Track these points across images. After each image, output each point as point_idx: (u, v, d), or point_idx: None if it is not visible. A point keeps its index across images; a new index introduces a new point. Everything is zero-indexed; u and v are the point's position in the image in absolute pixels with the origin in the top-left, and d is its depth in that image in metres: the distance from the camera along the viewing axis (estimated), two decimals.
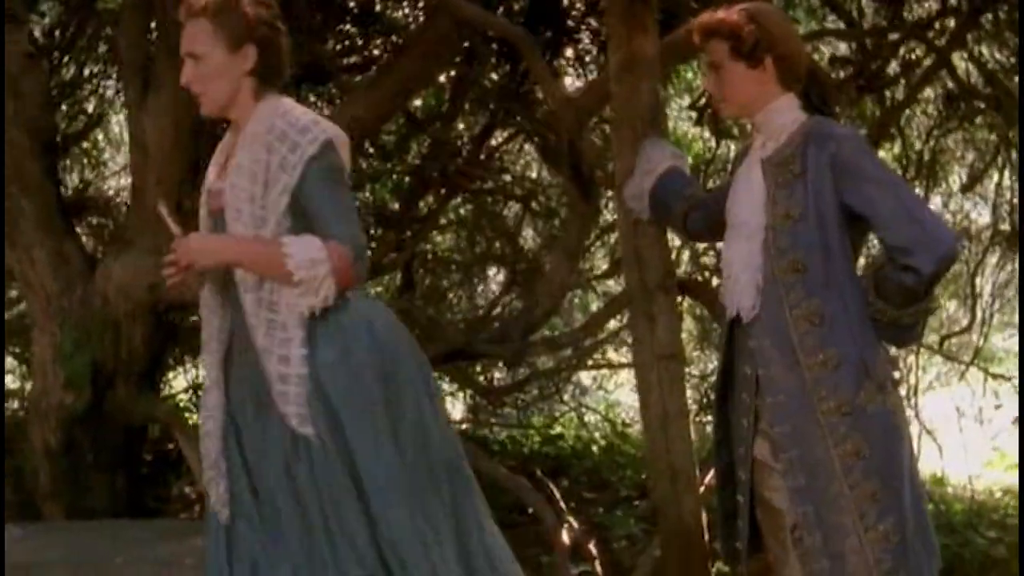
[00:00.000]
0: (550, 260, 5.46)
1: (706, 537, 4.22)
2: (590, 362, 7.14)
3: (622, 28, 4.15)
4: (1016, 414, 6.81)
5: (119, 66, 5.26)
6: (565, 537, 4.71)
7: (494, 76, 6.46)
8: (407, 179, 7.19)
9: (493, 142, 6.85)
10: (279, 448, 2.88)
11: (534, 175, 7.18)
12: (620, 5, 4.18)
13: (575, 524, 4.83)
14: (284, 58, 3.05)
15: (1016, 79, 5.87)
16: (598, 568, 4.76)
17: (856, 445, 2.99)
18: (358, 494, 2.84)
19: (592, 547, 4.78)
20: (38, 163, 5.13)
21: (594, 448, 7.22)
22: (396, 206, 7.08)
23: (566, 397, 7.73)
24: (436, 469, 2.93)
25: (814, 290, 3.01)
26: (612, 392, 7.92)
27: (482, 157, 6.60)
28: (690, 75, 6.82)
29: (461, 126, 6.95)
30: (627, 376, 8.03)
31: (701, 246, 6.64)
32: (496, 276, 7.72)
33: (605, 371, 7.49)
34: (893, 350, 3.21)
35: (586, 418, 7.74)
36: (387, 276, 6.90)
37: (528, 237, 7.26)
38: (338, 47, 6.84)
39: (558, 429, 7.64)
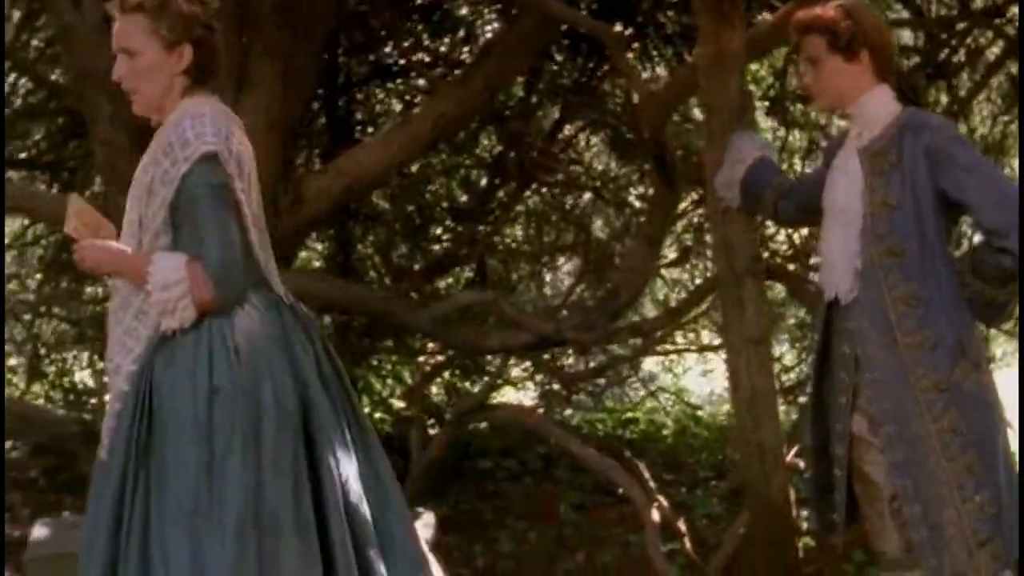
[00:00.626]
0: (632, 248, 5.61)
1: (793, 513, 4.41)
2: (670, 347, 7.31)
3: (711, 23, 4.31)
4: None
5: None
6: (655, 515, 4.88)
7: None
8: (475, 172, 7.38)
9: (563, 134, 7.00)
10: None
11: (601, 166, 7.33)
12: (709, 1, 4.35)
13: (664, 503, 4.98)
14: (217, 58, 3.07)
15: None
16: (687, 545, 4.91)
17: (952, 421, 3.13)
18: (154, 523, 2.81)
19: (681, 524, 4.94)
20: (134, 163, 5.30)
21: (664, 432, 7.41)
22: (464, 199, 7.26)
23: (639, 383, 7.91)
24: (241, 515, 2.77)
25: (911, 274, 3.16)
26: (681, 377, 8.08)
27: (554, 149, 6.76)
28: (754, 66, 6.90)
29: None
30: (694, 361, 8.24)
31: (780, 234, 6.75)
32: (563, 266, 7.89)
33: (673, 356, 7.64)
34: None
35: (656, 403, 7.89)
36: (460, 268, 7.06)
37: (597, 227, 7.40)
38: (405, 45, 7.04)
39: (630, 413, 7.81)
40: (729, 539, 5.04)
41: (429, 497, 5.47)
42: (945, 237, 3.22)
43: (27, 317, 7.72)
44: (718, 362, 8.32)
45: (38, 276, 8.00)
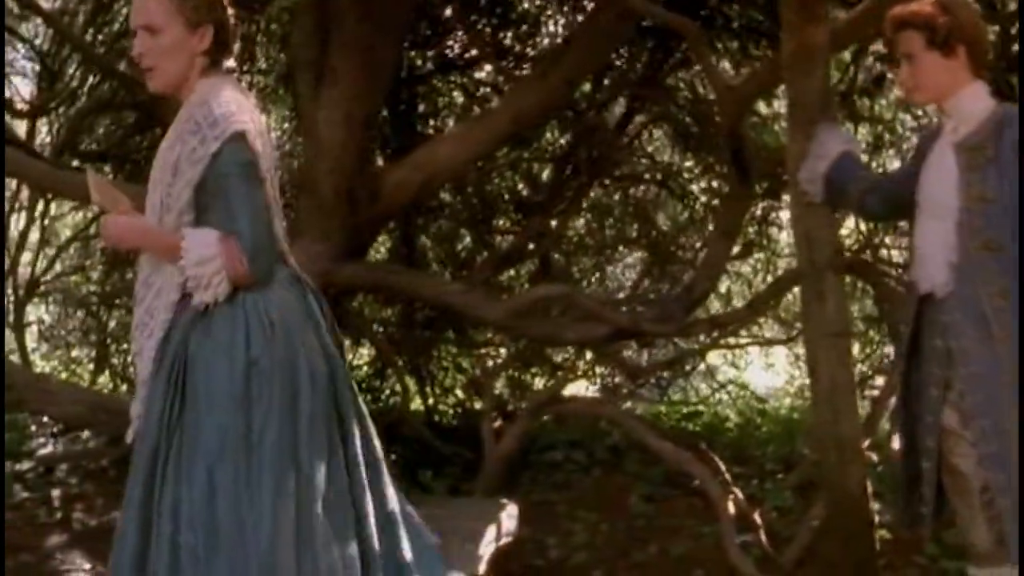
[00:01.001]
0: (707, 241, 5.62)
1: (870, 505, 4.42)
2: (734, 340, 7.31)
3: (796, 18, 4.31)
4: None
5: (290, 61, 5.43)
6: (731, 508, 4.90)
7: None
8: (537, 166, 7.42)
9: (630, 127, 7.02)
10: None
11: (667, 159, 7.36)
12: None
13: (740, 495, 4.99)
14: (233, 39, 3.09)
15: None
16: (763, 537, 4.93)
17: None
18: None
19: (757, 517, 4.95)
20: None
21: (727, 425, 7.42)
22: (525, 192, 7.30)
23: (699, 376, 7.94)
24: (278, 487, 2.86)
25: (1007, 268, 3.15)
26: (743, 370, 8.10)
27: (621, 143, 6.78)
28: None
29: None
30: (757, 354, 8.24)
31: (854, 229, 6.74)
32: (624, 260, 7.92)
33: (736, 351, 7.65)
34: None
35: (720, 395, 7.90)
36: (524, 262, 7.10)
37: (660, 220, 7.43)
38: (468, 38, 7.09)
39: (696, 407, 7.83)
40: (803, 532, 5.05)
41: (500, 489, 5.52)
42: None
43: (92, 308, 7.85)
44: (780, 356, 8.35)
45: (100, 268, 8.14)
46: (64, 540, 5.55)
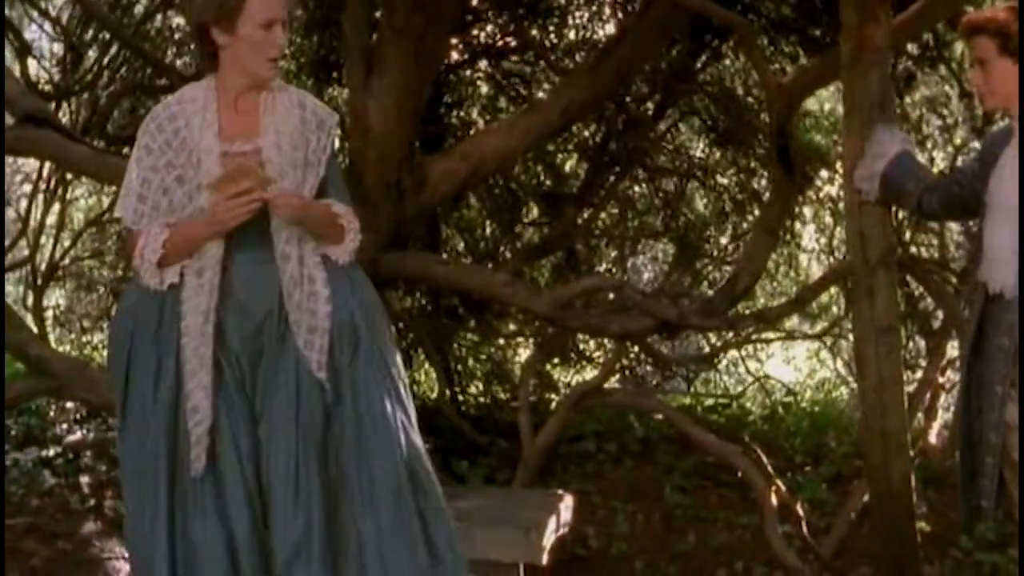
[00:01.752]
0: (751, 236, 5.67)
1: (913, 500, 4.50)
2: (771, 336, 7.40)
3: (855, 17, 4.37)
4: None
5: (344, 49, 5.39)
6: (773, 499, 4.96)
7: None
8: (560, 157, 7.44)
9: (663, 121, 7.07)
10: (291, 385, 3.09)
11: (699, 152, 7.41)
12: None
13: (782, 487, 5.06)
14: None
15: None
16: (804, 528, 5.00)
17: None
18: None
19: (799, 509, 5.03)
20: None
21: (750, 417, 7.50)
22: (549, 184, 7.33)
23: (722, 369, 8.02)
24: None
25: None
26: (765, 363, 8.17)
27: (652, 136, 6.83)
28: None
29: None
30: (778, 349, 8.33)
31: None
32: (647, 253, 7.98)
33: (758, 344, 7.72)
34: None
35: (747, 388, 7.98)
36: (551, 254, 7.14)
37: (687, 214, 7.49)
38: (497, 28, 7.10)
39: (722, 399, 7.91)
40: (840, 523, 5.15)
41: (537, 480, 5.57)
42: None
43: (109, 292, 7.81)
44: (800, 350, 8.44)
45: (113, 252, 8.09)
46: (99, 527, 5.56)
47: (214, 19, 3.00)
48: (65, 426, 7.09)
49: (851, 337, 6.75)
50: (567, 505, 4.64)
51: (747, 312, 5.73)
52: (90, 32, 6.95)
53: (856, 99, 4.33)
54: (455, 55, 7.09)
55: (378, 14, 5.33)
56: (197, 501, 3.06)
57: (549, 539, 4.30)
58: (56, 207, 7.79)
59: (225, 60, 3.05)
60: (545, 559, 4.25)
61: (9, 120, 5.27)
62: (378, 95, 5.20)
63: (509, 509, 4.53)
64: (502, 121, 6.26)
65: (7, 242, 7.29)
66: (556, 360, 7.26)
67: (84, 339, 8.55)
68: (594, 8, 7.10)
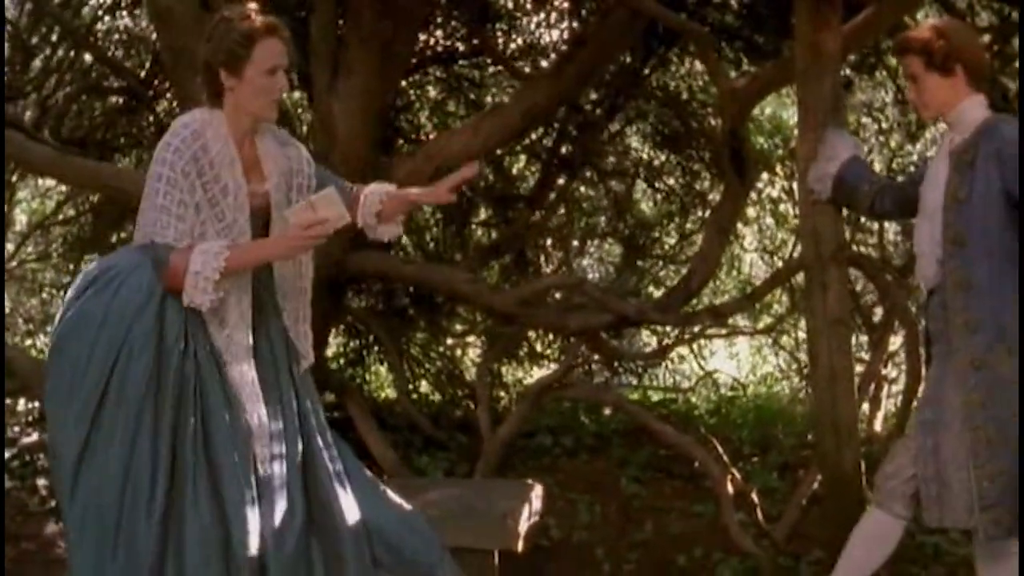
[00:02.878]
0: (704, 236, 5.86)
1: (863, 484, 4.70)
2: (723, 331, 7.59)
3: (808, 25, 4.58)
4: None
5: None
6: (730, 487, 5.14)
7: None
8: (507, 160, 7.57)
9: (611, 125, 7.23)
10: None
11: (644, 156, 7.59)
12: (807, 2, 4.62)
13: (738, 476, 5.24)
14: None
15: None
16: (759, 515, 5.19)
17: (981, 396, 3.49)
18: None
19: (754, 496, 5.22)
20: None
21: (698, 412, 7.69)
22: (500, 186, 7.46)
23: (667, 365, 8.22)
24: None
25: (968, 262, 3.50)
26: (708, 359, 8.38)
27: (602, 139, 7.00)
28: None
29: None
30: (721, 346, 8.54)
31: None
32: (595, 254, 8.16)
33: (701, 341, 7.92)
34: None
35: (691, 383, 8.17)
36: (500, 256, 7.27)
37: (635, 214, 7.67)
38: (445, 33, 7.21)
39: (667, 394, 8.10)
40: (792, 509, 5.34)
41: (496, 473, 5.68)
42: (1013, 231, 3.47)
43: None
44: (743, 346, 8.66)
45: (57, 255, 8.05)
46: (61, 529, 5.52)
47: (223, 63, 3.20)
48: (17, 429, 7.02)
49: (792, 333, 7.01)
50: (537, 494, 4.77)
51: (701, 308, 5.90)
52: (40, 33, 6.91)
53: (810, 104, 4.55)
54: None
55: (344, 20, 5.42)
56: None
57: (524, 526, 4.43)
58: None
59: (230, 101, 3.25)
60: (520, 546, 4.38)
61: None
62: (344, 98, 5.29)
63: (482, 499, 4.64)
64: (466, 123, 6.38)
65: None
66: (506, 359, 7.39)
67: (27, 342, 8.46)
68: (542, 15, 7.27)
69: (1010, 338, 3.47)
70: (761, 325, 7.86)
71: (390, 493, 3.45)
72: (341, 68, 5.28)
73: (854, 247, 6.72)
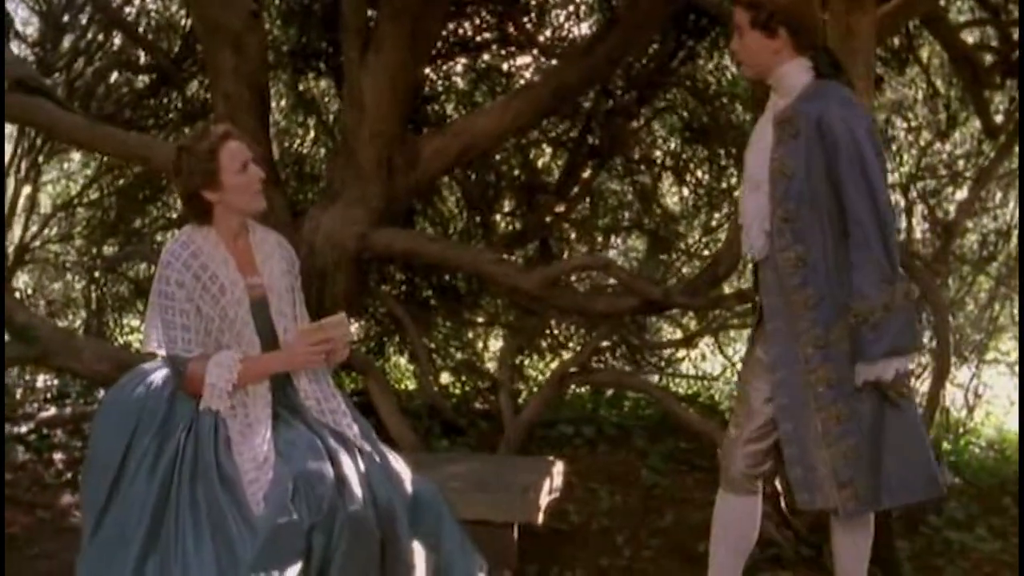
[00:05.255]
0: (731, 223, 5.79)
1: None
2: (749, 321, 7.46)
3: (841, 4, 4.56)
4: None
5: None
6: None
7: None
8: (534, 150, 7.54)
9: (640, 116, 7.20)
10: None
11: (672, 148, 7.54)
12: None
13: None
14: None
15: None
16: (782, 503, 5.11)
17: (827, 374, 3.42)
18: None
19: (778, 484, 5.14)
20: (253, 116, 5.39)
21: (722, 407, 7.59)
22: (523, 177, 7.43)
23: (691, 360, 8.16)
24: None
25: (799, 238, 3.40)
26: (733, 357, 8.26)
27: (630, 128, 6.96)
28: None
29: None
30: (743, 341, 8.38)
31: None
32: (620, 246, 8.09)
33: (727, 332, 7.78)
34: None
35: (722, 372, 8.09)
36: (524, 247, 7.23)
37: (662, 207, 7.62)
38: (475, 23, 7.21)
39: (691, 388, 8.06)
40: None
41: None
42: (837, 203, 3.35)
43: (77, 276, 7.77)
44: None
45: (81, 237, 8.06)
46: (76, 500, 5.51)
47: (201, 185, 3.45)
48: (36, 406, 7.03)
49: None
50: (558, 470, 4.73)
51: (728, 292, 5.82)
52: (71, 11, 6.95)
53: None
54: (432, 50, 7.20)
55: None
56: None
57: (544, 501, 4.38)
58: (26, 190, 7.76)
59: (219, 211, 3.51)
60: (540, 519, 4.33)
61: None
62: (373, 72, 5.27)
63: (503, 473, 4.61)
64: (494, 102, 6.35)
65: None
66: (529, 350, 7.35)
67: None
68: (571, 7, 7.26)
69: (849, 315, 3.35)
70: None
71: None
72: (371, 43, 5.26)
73: None
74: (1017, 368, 7.80)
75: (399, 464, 3.47)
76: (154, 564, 3.20)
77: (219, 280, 3.43)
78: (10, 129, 7.06)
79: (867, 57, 4.54)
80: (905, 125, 7.19)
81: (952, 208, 7.07)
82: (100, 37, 7.03)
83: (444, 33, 7.09)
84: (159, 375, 3.49)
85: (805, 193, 3.33)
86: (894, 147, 7.07)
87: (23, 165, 7.54)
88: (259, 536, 3.15)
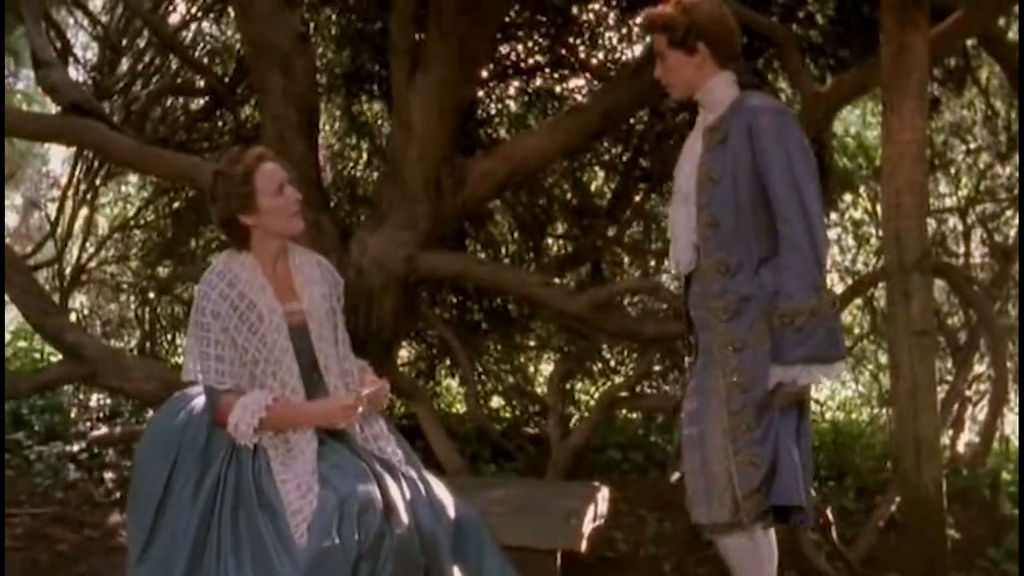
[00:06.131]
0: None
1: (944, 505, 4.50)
2: None
3: (895, 22, 4.47)
4: None
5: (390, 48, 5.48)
6: None
7: None
8: (587, 173, 7.51)
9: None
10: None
11: None
12: (895, 2, 4.51)
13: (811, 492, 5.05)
14: None
15: None
16: (833, 534, 5.00)
17: (741, 378, 3.35)
18: None
19: (828, 513, 5.03)
20: (301, 138, 5.42)
21: None
22: (578, 200, 7.39)
23: None
24: None
25: (723, 244, 3.36)
26: None
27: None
28: None
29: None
30: None
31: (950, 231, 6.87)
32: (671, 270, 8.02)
33: None
34: None
35: None
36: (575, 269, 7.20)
37: None
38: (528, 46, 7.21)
39: None
40: (869, 531, 5.15)
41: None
42: (766, 209, 3.31)
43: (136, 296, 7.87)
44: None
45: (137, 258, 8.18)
46: (124, 520, 5.55)
47: (238, 209, 3.44)
48: (88, 424, 7.11)
49: (874, 357, 6.79)
50: (604, 496, 4.66)
51: None
52: (128, 36, 7.06)
53: (895, 104, 4.44)
54: (484, 73, 7.20)
55: (425, 14, 5.41)
56: None
57: (588, 528, 4.31)
58: (83, 212, 7.88)
59: (257, 235, 3.49)
60: (584, 546, 4.26)
61: (55, 108, 5.36)
62: (422, 92, 5.27)
63: (547, 498, 4.55)
64: (543, 123, 6.32)
65: (35, 244, 7.37)
66: (579, 375, 7.30)
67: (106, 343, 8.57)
68: (624, 30, 7.23)
69: (775, 315, 3.28)
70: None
71: None
72: (420, 63, 5.27)
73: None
74: None
75: (442, 490, 3.41)
76: None
77: (257, 308, 3.41)
78: (68, 152, 7.19)
79: (921, 76, 4.44)
80: (964, 148, 7.06)
81: (1012, 232, 6.93)
82: (156, 61, 7.14)
83: (496, 56, 7.11)
84: (200, 401, 3.49)
85: (731, 198, 3.32)
86: (952, 170, 6.95)
87: (81, 188, 7.69)
88: (300, 568, 3.13)
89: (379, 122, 7.74)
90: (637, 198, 7.09)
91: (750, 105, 3.35)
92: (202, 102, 7.27)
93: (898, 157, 4.35)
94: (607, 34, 7.27)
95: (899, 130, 4.38)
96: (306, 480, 3.28)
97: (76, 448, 6.55)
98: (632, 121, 6.60)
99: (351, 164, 7.98)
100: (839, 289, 7.72)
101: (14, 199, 11.28)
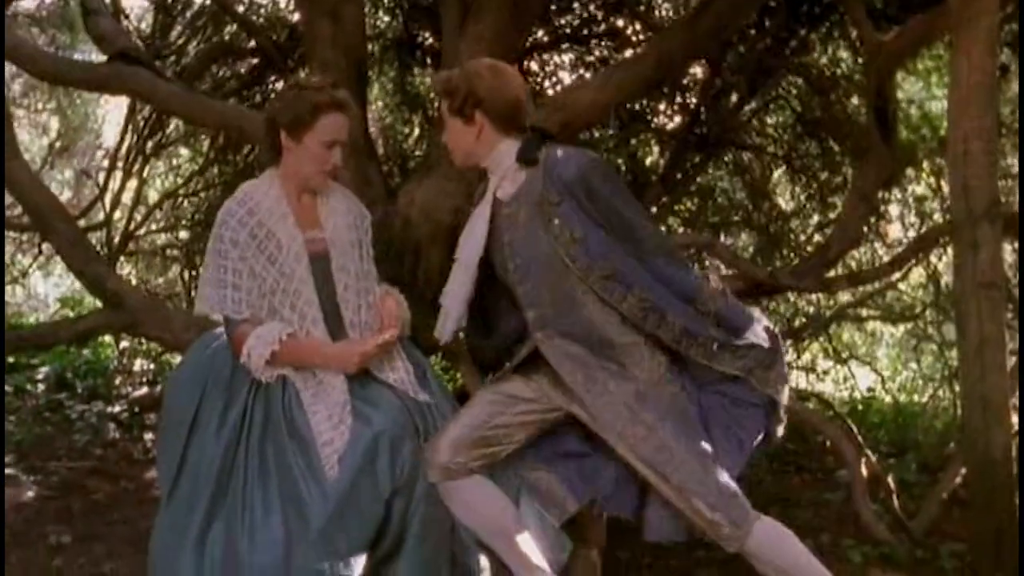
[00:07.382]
0: (845, 203, 5.51)
1: (1013, 471, 4.26)
2: (864, 312, 7.18)
3: None
4: None
5: None
6: (864, 469, 4.75)
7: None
8: (640, 145, 7.37)
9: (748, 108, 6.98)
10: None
11: (783, 141, 7.26)
12: None
13: (873, 459, 4.85)
14: None
15: None
16: (895, 504, 4.79)
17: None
18: None
19: (890, 481, 4.82)
20: (350, 85, 5.31)
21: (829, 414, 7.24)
22: (632, 173, 7.24)
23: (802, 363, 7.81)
24: None
25: (628, 283, 3.15)
26: (847, 362, 7.89)
27: (739, 123, 6.74)
28: None
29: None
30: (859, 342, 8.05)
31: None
32: (729, 243, 7.85)
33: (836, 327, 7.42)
34: None
35: (828, 370, 7.75)
36: None
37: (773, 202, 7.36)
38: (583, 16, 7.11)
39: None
40: (932, 502, 4.93)
41: None
42: (632, 236, 3.20)
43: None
44: (880, 351, 8.16)
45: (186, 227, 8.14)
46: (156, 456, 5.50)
47: (286, 125, 3.38)
48: (131, 388, 7.08)
49: (937, 336, 6.55)
50: None
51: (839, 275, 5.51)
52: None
53: (965, 49, 4.23)
54: (540, 38, 7.09)
55: None
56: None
57: None
58: (132, 183, 7.87)
59: (286, 160, 3.44)
60: None
61: (101, 57, 5.31)
62: (471, 41, 5.12)
63: None
64: (596, 74, 6.17)
65: (82, 209, 7.35)
66: None
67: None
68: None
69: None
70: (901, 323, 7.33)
71: None
72: (471, 10, 5.15)
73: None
74: None
75: None
76: (218, 531, 3.12)
77: (276, 237, 3.34)
78: (119, 119, 7.18)
79: (991, 21, 4.23)
80: None
81: None
82: (209, 22, 7.11)
83: (549, 27, 7.00)
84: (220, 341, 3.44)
85: (605, 244, 3.16)
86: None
87: (130, 157, 7.67)
88: (330, 501, 3.01)
89: (431, 94, 7.65)
90: (693, 168, 6.93)
91: (557, 160, 3.25)
92: (253, 63, 7.22)
93: (966, 102, 4.15)
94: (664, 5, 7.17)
95: (968, 72, 4.18)
96: (337, 412, 3.20)
97: (117, 408, 6.51)
98: (687, 80, 6.45)
99: (402, 136, 7.90)
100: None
101: (65, 172, 11.35)
